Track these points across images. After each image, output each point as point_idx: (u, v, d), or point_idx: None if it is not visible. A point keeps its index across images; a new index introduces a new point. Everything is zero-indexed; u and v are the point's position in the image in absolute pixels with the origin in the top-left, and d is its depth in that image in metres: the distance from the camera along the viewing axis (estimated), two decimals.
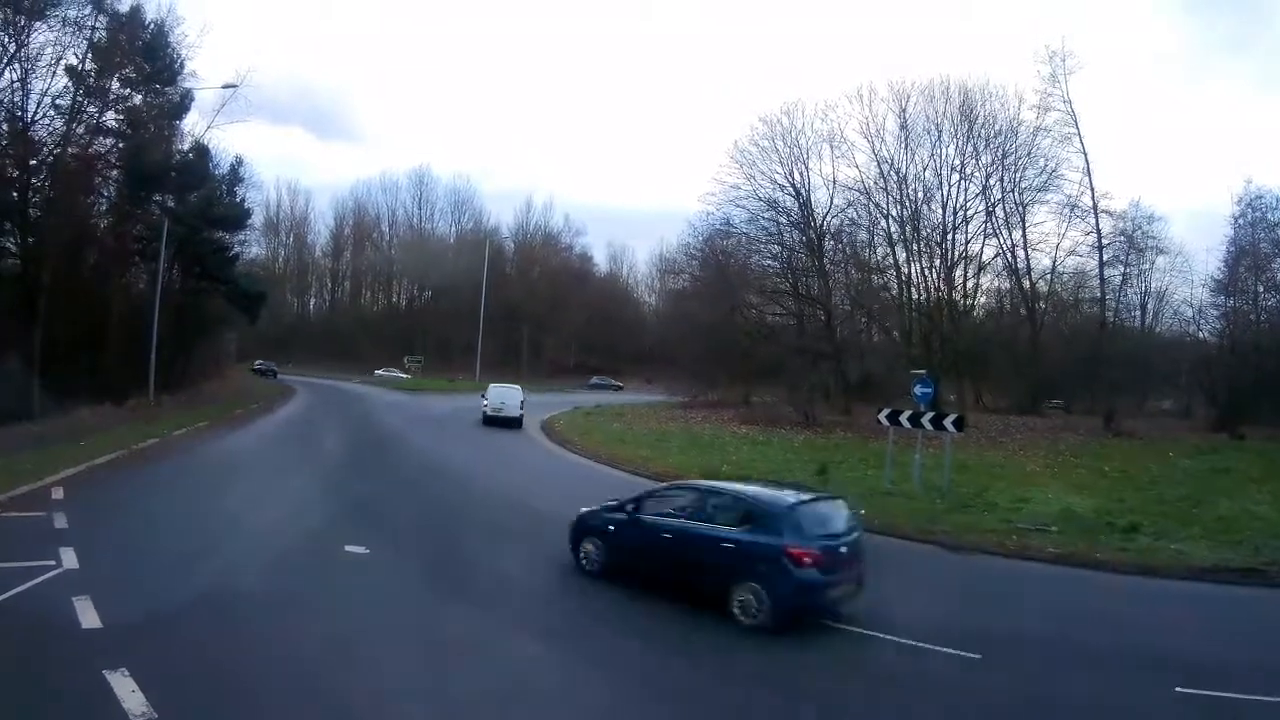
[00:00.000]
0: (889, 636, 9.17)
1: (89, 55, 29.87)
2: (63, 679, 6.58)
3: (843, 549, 9.81)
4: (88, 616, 7.88)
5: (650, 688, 7.82)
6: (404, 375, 66.49)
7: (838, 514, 10.39)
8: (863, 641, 9.22)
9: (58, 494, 13.61)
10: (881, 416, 20.32)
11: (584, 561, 11.23)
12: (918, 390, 19.79)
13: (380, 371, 69.26)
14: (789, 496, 10.32)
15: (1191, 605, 11.92)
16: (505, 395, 33.63)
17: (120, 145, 32.44)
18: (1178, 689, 8.10)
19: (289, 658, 7.63)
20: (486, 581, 10.58)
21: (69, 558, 9.72)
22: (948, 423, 19.06)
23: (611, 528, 11.07)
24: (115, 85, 31.86)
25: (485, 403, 33.64)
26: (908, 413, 19.57)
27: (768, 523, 9.74)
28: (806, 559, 9.34)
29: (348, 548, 11.55)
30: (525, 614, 9.52)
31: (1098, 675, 8.63)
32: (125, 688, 6.35)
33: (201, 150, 36.96)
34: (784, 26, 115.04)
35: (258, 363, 63.02)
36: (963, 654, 8.73)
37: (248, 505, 14.83)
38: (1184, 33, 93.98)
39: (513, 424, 32.10)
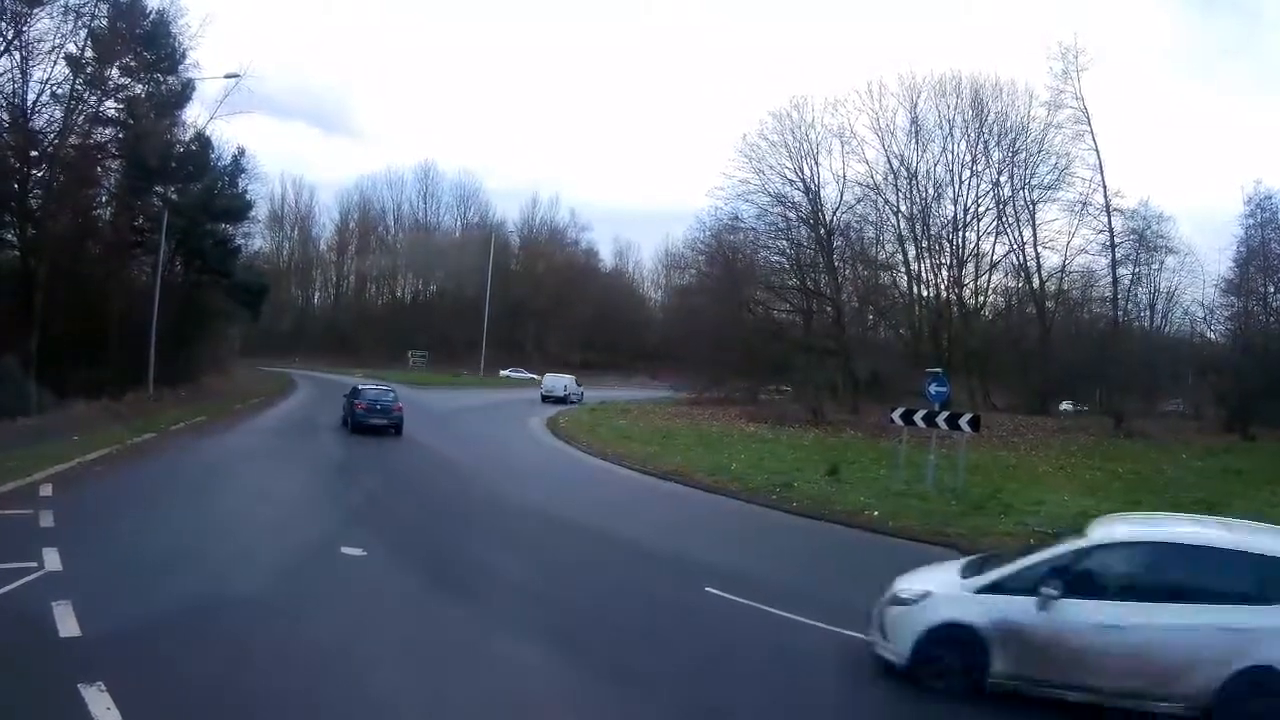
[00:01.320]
0: None
1: (88, 44, 29.49)
2: (32, 693, 6.09)
3: (377, 405, 25.25)
4: (67, 624, 7.38)
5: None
6: (533, 376, 63.47)
7: (381, 391, 26.41)
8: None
9: (46, 491, 13.14)
10: (895, 415, 19.82)
11: (344, 424, 26.04)
12: (932, 389, 19.20)
13: (506, 372, 67.40)
14: (366, 384, 27.94)
15: None
16: (556, 381, 47.66)
17: (120, 135, 32.06)
18: None
19: (280, 673, 7.11)
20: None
21: (52, 559, 9.24)
22: (963, 422, 18.54)
23: (345, 407, 26.46)
24: (115, 74, 31.48)
25: (542, 387, 47.93)
26: (922, 412, 19.06)
27: (355, 394, 25.78)
28: (360, 406, 25.14)
29: (344, 549, 11.14)
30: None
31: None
32: (100, 704, 5.86)
33: (203, 141, 36.43)
34: (792, 21, 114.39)
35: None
36: None
37: (242, 503, 14.51)
38: (1191, 32, 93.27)
39: (562, 400, 44.62)
